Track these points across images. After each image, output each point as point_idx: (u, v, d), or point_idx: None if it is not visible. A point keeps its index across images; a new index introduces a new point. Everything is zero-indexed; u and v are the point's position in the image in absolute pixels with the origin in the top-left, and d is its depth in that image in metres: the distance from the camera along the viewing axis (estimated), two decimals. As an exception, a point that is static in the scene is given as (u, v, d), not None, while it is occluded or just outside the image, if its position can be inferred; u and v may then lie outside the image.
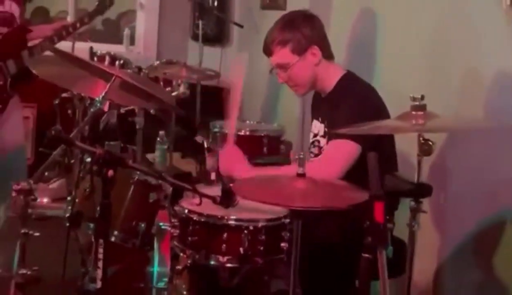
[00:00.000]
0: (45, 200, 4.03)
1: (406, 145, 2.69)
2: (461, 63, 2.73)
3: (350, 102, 2.60)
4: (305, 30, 2.70)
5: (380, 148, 2.24)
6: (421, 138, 2.04)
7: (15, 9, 3.57)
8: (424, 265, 2.74)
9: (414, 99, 2.07)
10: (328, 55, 2.75)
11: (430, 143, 2.04)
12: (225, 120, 3.00)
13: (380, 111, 2.58)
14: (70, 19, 5.89)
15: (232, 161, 2.72)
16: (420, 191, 2.06)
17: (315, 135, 2.81)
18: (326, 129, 2.74)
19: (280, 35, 2.71)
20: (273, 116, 4.63)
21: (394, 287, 2.68)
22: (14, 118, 3.62)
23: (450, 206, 2.76)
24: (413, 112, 2.07)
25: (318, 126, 2.80)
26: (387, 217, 1.64)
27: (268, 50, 2.76)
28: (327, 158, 2.60)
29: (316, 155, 2.77)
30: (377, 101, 2.66)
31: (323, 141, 2.75)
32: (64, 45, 4.51)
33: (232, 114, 2.80)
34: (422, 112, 2.05)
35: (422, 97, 2.06)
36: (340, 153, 2.53)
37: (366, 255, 1.66)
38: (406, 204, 2.13)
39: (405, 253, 2.14)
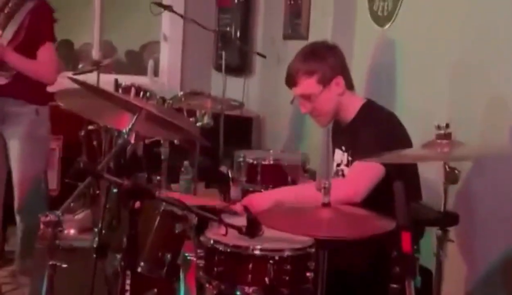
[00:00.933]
0: (72, 231, 4.06)
1: (431, 173, 2.68)
2: (487, 89, 2.72)
3: (371, 130, 2.61)
4: (330, 61, 2.71)
5: (404, 176, 2.24)
6: (446, 167, 2.04)
7: None
8: (451, 294, 2.71)
9: (439, 127, 2.07)
10: (350, 85, 2.77)
11: (456, 171, 2.03)
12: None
13: (402, 139, 2.58)
14: (95, 52, 5.99)
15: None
16: (447, 219, 2.05)
17: (338, 164, 2.81)
18: (349, 158, 2.73)
19: (305, 65, 2.72)
20: (296, 145, 4.64)
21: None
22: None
23: (477, 235, 2.73)
24: (438, 141, 2.06)
25: (340, 156, 2.80)
26: (415, 247, 1.63)
27: (292, 81, 2.76)
28: (351, 178, 2.60)
29: None
30: (398, 128, 2.66)
31: (347, 170, 2.75)
32: (89, 78, 4.59)
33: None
34: (447, 141, 2.05)
35: (447, 126, 2.06)
36: (365, 173, 2.52)
37: (395, 286, 1.65)
38: (432, 232, 2.12)
39: (432, 282, 2.12)
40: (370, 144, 2.51)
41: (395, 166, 2.43)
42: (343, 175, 2.77)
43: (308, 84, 2.71)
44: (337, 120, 2.84)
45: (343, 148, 2.79)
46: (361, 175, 2.52)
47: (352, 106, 2.75)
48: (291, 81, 2.77)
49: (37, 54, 3.67)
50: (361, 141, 2.60)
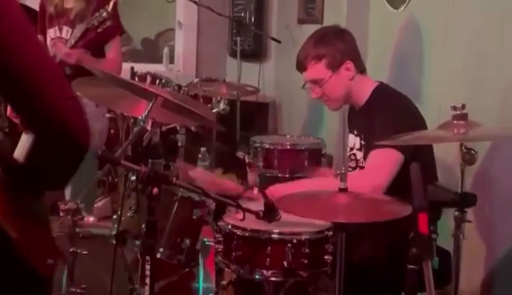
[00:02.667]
0: (91, 218, 4.09)
1: (448, 155, 2.67)
2: (503, 70, 2.71)
3: (386, 114, 2.59)
4: (339, 45, 2.70)
5: (420, 158, 2.23)
6: (463, 148, 2.03)
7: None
8: (470, 275, 2.71)
9: (455, 108, 2.06)
10: (361, 69, 2.75)
11: (473, 152, 2.03)
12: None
13: (417, 121, 2.57)
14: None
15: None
16: (464, 200, 2.04)
17: (351, 149, 2.80)
18: (362, 142, 2.73)
19: (313, 50, 2.72)
20: (313, 130, 4.64)
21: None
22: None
23: (495, 215, 2.72)
24: (455, 122, 2.06)
25: (353, 140, 2.79)
26: (431, 228, 1.63)
27: (302, 65, 2.76)
28: (371, 168, 2.55)
29: (353, 168, 2.76)
30: (413, 111, 2.65)
31: (359, 154, 2.74)
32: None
33: None
34: (463, 122, 2.04)
35: (463, 106, 2.05)
36: (384, 163, 2.50)
37: (412, 267, 1.65)
38: (450, 213, 2.12)
39: (451, 263, 2.12)
40: (386, 127, 2.50)
41: (410, 149, 2.43)
42: (356, 160, 2.76)
43: (317, 69, 2.71)
44: (351, 104, 2.84)
45: (355, 132, 2.79)
46: (381, 166, 2.49)
47: (364, 90, 2.74)
48: (300, 66, 2.77)
49: (105, 48, 3.67)
50: (377, 125, 2.59)
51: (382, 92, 2.72)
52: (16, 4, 1.36)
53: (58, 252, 1.47)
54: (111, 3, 3.36)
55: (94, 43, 3.55)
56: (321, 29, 2.91)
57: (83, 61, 3.49)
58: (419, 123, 2.56)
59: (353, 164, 2.78)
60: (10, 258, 1.32)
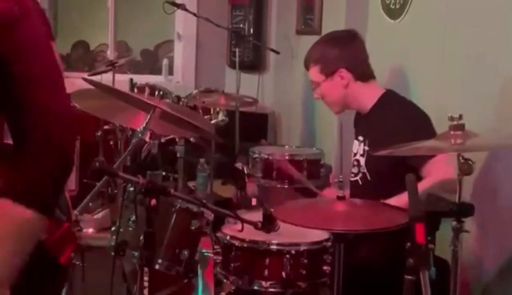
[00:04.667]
0: (90, 230, 4.10)
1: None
2: (500, 80, 2.71)
3: (394, 119, 2.60)
4: (334, 52, 2.74)
5: None
6: (460, 158, 2.04)
7: None
8: (469, 285, 2.71)
9: (452, 119, 2.07)
10: (362, 76, 2.76)
11: (470, 162, 2.02)
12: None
13: (426, 127, 2.55)
14: (110, 52, 6.03)
15: None
16: (462, 210, 2.04)
17: (355, 154, 2.81)
18: (365, 148, 2.73)
19: (314, 52, 2.80)
20: (312, 141, 4.64)
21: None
22: None
23: (494, 225, 2.72)
24: (452, 132, 2.06)
25: (357, 146, 2.80)
26: (429, 238, 1.64)
27: (305, 65, 2.85)
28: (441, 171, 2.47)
29: (356, 174, 2.76)
30: (422, 117, 2.64)
31: (362, 160, 2.74)
32: (104, 78, 4.63)
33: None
34: (460, 132, 2.05)
35: (460, 117, 2.05)
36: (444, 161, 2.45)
37: (409, 277, 1.66)
38: (447, 223, 2.12)
39: (449, 273, 2.12)
40: (394, 132, 2.50)
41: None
42: (358, 165, 2.75)
43: (314, 72, 2.80)
44: (356, 110, 2.85)
45: (360, 138, 2.79)
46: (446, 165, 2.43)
47: (366, 97, 2.74)
48: (305, 65, 2.86)
49: None
50: (384, 130, 2.59)
51: (390, 98, 2.73)
52: (36, 8, 1.37)
53: (76, 243, 1.49)
54: None
55: None
56: (332, 32, 2.97)
57: None
58: (428, 129, 2.54)
59: (355, 170, 2.77)
60: (37, 252, 1.33)
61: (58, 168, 1.30)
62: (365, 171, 2.70)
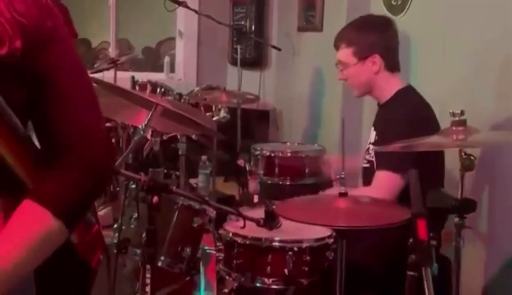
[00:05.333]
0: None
1: (448, 161, 2.67)
2: (501, 76, 2.71)
3: (402, 113, 2.60)
4: (372, 37, 2.71)
5: (427, 163, 2.23)
6: (462, 154, 2.04)
7: None
8: (471, 281, 2.71)
9: (454, 114, 2.07)
10: (391, 66, 2.74)
11: (472, 158, 2.03)
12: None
13: (433, 126, 2.55)
14: (111, 50, 6.03)
15: None
16: (464, 206, 2.04)
17: (370, 142, 2.81)
18: (376, 137, 2.73)
19: (348, 34, 2.76)
20: (314, 137, 4.64)
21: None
22: None
23: (496, 221, 2.72)
24: (454, 128, 2.06)
25: (372, 134, 2.81)
26: (431, 234, 1.63)
27: (336, 44, 2.81)
28: (375, 191, 2.53)
29: (368, 161, 2.75)
30: (431, 116, 2.63)
31: (371, 148, 2.75)
32: (106, 75, 4.63)
33: None
34: (462, 128, 2.05)
35: (462, 113, 2.05)
36: (388, 188, 2.51)
37: (411, 273, 1.65)
38: (450, 220, 2.12)
39: (451, 271, 2.12)
40: (399, 125, 2.49)
41: (412, 164, 2.41)
42: (369, 153, 2.76)
43: (345, 53, 2.75)
44: (375, 98, 2.84)
45: (374, 126, 2.80)
46: (384, 192, 2.50)
47: (388, 87, 2.73)
48: (335, 45, 2.82)
49: None
50: (388, 124, 2.59)
51: (406, 94, 2.71)
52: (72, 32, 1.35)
53: (104, 245, 1.49)
54: None
55: None
56: (367, 16, 2.96)
57: None
58: (430, 128, 2.53)
59: (368, 157, 2.77)
60: (69, 255, 1.33)
61: (93, 187, 1.29)
62: (373, 160, 2.71)
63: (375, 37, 2.71)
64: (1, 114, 1.23)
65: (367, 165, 2.77)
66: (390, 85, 2.73)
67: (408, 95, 2.72)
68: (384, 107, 2.74)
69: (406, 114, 2.59)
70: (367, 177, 2.74)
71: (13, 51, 1.19)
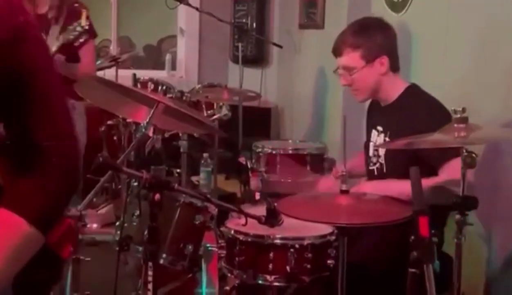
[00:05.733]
0: (94, 225, 4.10)
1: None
2: (502, 73, 2.71)
3: (423, 109, 2.57)
4: (378, 38, 2.67)
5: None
6: (464, 151, 2.04)
7: None
8: (472, 277, 2.71)
9: (455, 112, 2.06)
10: (395, 67, 2.72)
11: (474, 155, 2.03)
12: None
13: (448, 111, 2.52)
14: (113, 47, 6.04)
15: None
16: (466, 203, 2.04)
17: (375, 144, 2.77)
18: (386, 139, 2.69)
19: (352, 38, 2.69)
20: (315, 135, 4.65)
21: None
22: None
23: (497, 218, 2.72)
24: (455, 125, 2.06)
25: (376, 136, 2.76)
26: (433, 231, 1.64)
27: (338, 51, 2.73)
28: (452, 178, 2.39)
29: (374, 163, 2.73)
30: (446, 112, 2.60)
31: (381, 151, 2.71)
32: (108, 73, 4.63)
33: None
34: (464, 125, 2.04)
35: (464, 110, 2.05)
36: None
37: (413, 270, 1.66)
38: (451, 217, 2.12)
39: (453, 268, 2.12)
40: (419, 128, 2.44)
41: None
42: (377, 156, 2.72)
43: (352, 58, 2.68)
44: (376, 100, 2.81)
45: (379, 128, 2.76)
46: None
47: (394, 88, 2.70)
48: (336, 51, 2.75)
49: (79, 52, 3.68)
50: (408, 125, 2.50)
51: (416, 92, 2.69)
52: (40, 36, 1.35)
53: (76, 235, 1.50)
54: (83, 17, 3.37)
55: (69, 49, 3.56)
56: (364, 19, 2.87)
57: (59, 67, 3.49)
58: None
59: (374, 159, 2.73)
60: (41, 251, 1.33)
61: (66, 192, 1.31)
62: (383, 162, 2.68)
63: (380, 38, 2.67)
64: None
65: (373, 168, 2.73)
66: (396, 85, 2.70)
67: (419, 90, 2.71)
68: (394, 109, 2.70)
69: (430, 103, 2.57)
70: (371, 179, 2.72)
71: None
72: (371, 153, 2.78)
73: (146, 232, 2.02)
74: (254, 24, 5.49)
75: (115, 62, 4.79)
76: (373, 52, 2.66)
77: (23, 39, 1.25)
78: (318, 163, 3.36)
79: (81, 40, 3.45)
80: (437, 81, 3.16)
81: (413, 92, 2.68)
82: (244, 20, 5.50)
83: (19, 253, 1.25)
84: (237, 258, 2.36)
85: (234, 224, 2.43)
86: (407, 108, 2.61)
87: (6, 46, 1.23)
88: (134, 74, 4.62)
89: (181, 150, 3.90)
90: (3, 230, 1.24)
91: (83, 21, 3.37)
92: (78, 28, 3.38)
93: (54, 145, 1.27)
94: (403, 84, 2.72)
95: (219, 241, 2.46)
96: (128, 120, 4.19)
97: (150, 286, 2.00)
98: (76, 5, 3.55)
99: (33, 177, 1.26)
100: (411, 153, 2.40)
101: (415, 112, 2.56)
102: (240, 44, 5.05)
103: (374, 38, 2.67)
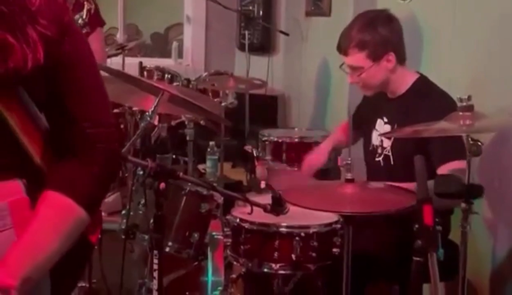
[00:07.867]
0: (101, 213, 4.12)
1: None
2: (509, 61, 2.70)
3: (434, 100, 2.54)
4: (384, 35, 2.61)
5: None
6: (469, 139, 2.03)
7: None
8: (478, 266, 2.71)
9: (461, 100, 2.06)
10: (402, 59, 2.68)
11: (479, 143, 2.02)
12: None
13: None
14: (120, 35, 6.04)
15: None
16: (471, 192, 2.04)
17: (380, 134, 2.74)
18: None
19: (358, 36, 2.62)
20: (322, 123, 4.64)
21: (450, 290, 2.66)
22: None
23: (503, 206, 2.72)
24: (461, 113, 2.05)
25: (382, 125, 2.74)
26: (437, 220, 1.64)
27: (344, 50, 2.68)
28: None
29: (379, 155, 2.72)
30: (453, 104, 2.58)
31: (386, 142, 2.69)
32: (114, 61, 4.64)
33: None
34: (469, 113, 2.04)
35: (469, 98, 2.04)
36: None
37: (417, 258, 1.66)
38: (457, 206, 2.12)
39: (459, 256, 2.12)
40: (435, 111, 2.40)
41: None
42: (382, 147, 2.70)
43: (358, 58, 2.63)
44: (385, 91, 2.74)
45: (385, 119, 2.73)
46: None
47: (403, 81, 2.67)
48: (342, 50, 2.69)
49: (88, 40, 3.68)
50: (418, 118, 2.47)
51: (425, 83, 2.66)
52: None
53: (102, 222, 1.57)
54: (85, 10, 3.38)
55: None
56: (369, 12, 2.79)
57: None
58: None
59: (380, 150, 2.73)
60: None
61: (108, 176, 1.41)
62: (390, 154, 2.66)
63: (385, 34, 2.62)
64: (21, 99, 1.32)
65: (378, 159, 2.70)
66: (404, 79, 2.67)
67: (428, 82, 2.68)
68: (402, 102, 2.67)
69: (439, 99, 2.54)
70: (376, 171, 2.70)
71: (36, 62, 1.28)
72: (374, 142, 2.75)
73: (152, 221, 2.03)
74: (261, 12, 5.47)
75: (122, 50, 4.79)
76: (379, 50, 2.61)
77: (69, 35, 1.34)
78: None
79: (84, 31, 3.46)
80: (445, 68, 3.15)
81: (422, 86, 2.65)
82: (250, 8, 5.48)
83: (71, 234, 1.35)
84: (242, 246, 2.37)
85: (240, 212, 2.43)
86: (416, 104, 2.58)
87: (55, 43, 1.31)
88: (141, 62, 4.63)
89: (188, 138, 3.90)
90: (57, 211, 1.33)
91: (84, 14, 3.39)
92: (80, 21, 3.40)
93: (98, 132, 1.37)
94: (411, 77, 2.68)
95: (225, 229, 2.46)
96: (134, 109, 4.21)
97: (156, 274, 2.01)
98: None
99: (79, 162, 1.35)
100: (420, 145, 2.39)
101: (423, 108, 2.53)
102: (246, 32, 5.03)
103: (378, 34, 2.60)
